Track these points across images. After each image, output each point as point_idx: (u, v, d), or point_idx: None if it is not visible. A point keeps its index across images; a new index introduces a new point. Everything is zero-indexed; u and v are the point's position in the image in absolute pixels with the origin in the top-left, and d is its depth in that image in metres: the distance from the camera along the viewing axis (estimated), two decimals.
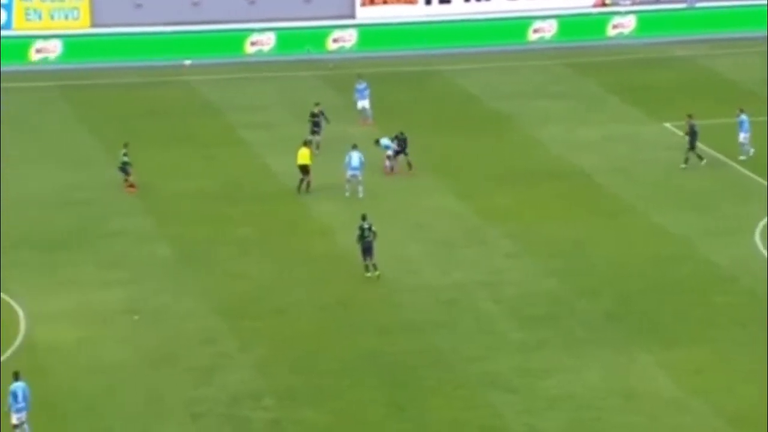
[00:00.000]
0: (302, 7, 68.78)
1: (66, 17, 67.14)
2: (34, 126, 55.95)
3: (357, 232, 41.37)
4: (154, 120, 57.21)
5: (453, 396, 34.66)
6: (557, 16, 70.63)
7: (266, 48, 67.57)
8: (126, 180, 48.63)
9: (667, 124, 56.52)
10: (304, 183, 47.91)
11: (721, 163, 51.78)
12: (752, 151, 51.76)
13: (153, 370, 35.84)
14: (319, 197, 47.89)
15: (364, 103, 56.39)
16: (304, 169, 47.87)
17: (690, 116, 51.56)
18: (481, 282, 41.40)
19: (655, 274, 41.63)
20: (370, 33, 68.65)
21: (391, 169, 50.10)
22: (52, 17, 66.97)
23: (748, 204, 47.29)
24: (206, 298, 40.22)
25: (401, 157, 50.45)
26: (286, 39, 67.69)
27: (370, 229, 41.27)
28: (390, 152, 50.17)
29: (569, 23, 70.65)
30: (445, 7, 70.81)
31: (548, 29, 70.49)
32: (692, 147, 51.06)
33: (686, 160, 51.05)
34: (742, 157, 51.70)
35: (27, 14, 66.65)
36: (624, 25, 71.20)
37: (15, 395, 31.85)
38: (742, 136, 51.69)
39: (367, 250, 41.16)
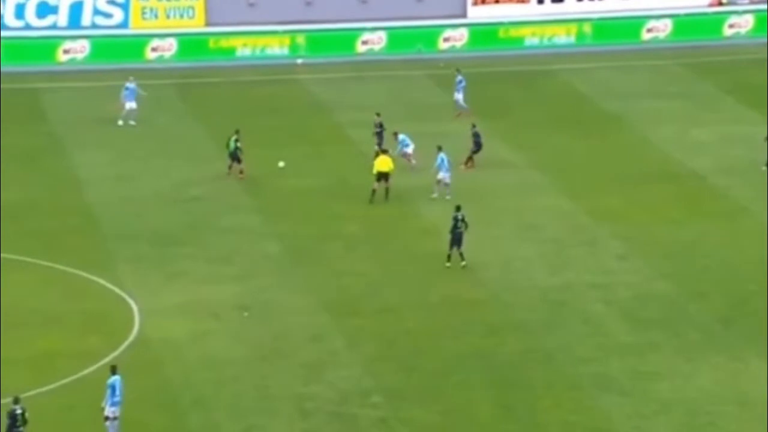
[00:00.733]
0: (414, 6, 68.81)
1: (181, 16, 68.00)
2: (150, 123, 56.79)
3: (451, 223, 41.46)
4: (266, 118, 57.69)
5: (562, 397, 34.39)
6: (672, 15, 69.72)
7: (377, 47, 67.73)
8: (231, 167, 49.09)
9: None
10: (379, 190, 47.40)
11: None
12: None
13: (262, 366, 36.13)
14: (424, 196, 47.85)
15: (458, 96, 56.53)
16: (385, 176, 47.58)
17: None
18: (591, 283, 41.02)
19: None
20: (481, 32, 68.44)
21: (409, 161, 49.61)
22: (167, 16, 67.90)
23: None
24: (314, 294, 40.44)
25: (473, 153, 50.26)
26: (397, 38, 67.78)
27: (462, 220, 41.57)
28: (408, 149, 49.79)
29: (684, 23, 69.69)
30: (557, 6, 70.31)
31: (663, 29, 69.62)
32: None
33: None
34: None
35: (143, 13, 67.66)
36: (741, 24, 70.00)
37: (113, 389, 32.29)
38: None
39: (456, 241, 41.37)
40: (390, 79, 64.07)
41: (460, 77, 57.25)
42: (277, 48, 66.88)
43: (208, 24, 67.96)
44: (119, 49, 65.68)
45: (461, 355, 36.64)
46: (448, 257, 41.81)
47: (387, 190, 47.71)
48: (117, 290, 40.51)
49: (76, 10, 66.74)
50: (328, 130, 56.12)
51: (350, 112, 58.33)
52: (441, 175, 47.30)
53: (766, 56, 64.56)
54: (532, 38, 68.76)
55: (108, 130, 55.96)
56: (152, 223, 46.14)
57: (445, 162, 47.42)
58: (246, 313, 39.19)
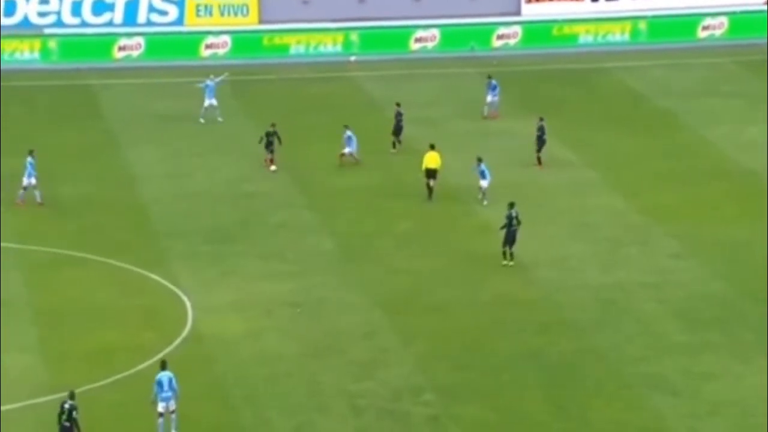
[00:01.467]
0: (467, 4, 68.71)
1: (235, 14, 68.34)
2: (204, 120, 57.08)
3: (504, 221, 41.28)
4: (319, 115, 57.84)
5: (614, 396, 34.23)
6: (728, 13, 69.16)
7: (431, 45, 67.70)
8: (267, 157, 49.46)
9: None
10: (429, 188, 47.38)
11: None
12: None
13: (314, 362, 36.23)
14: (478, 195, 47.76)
15: (493, 99, 56.10)
16: (433, 174, 47.43)
17: None
18: (644, 282, 40.80)
19: None
20: (535, 30, 68.22)
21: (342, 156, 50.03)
22: (222, 14, 68.25)
23: None
24: (367, 292, 40.49)
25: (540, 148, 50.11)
26: (450, 36, 67.72)
27: (516, 218, 41.26)
28: (347, 150, 50.25)
29: (740, 20, 69.10)
30: (611, 3, 69.95)
31: (718, 26, 69.08)
32: None
33: None
34: None
35: (198, 11, 68.04)
36: None
37: (161, 384, 32.48)
38: None
39: (510, 239, 41.16)
40: (443, 76, 64.02)
41: (494, 82, 56.61)
42: (330, 45, 67.03)
43: (261, 21, 68.23)
44: (174, 46, 66.11)
45: (513, 353, 36.56)
46: (504, 255, 41.67)
47: (431, 189, 47.35)
48: (171, 286, 40.78)
49: (131, 8, 67.24)
50: (380, 127, 56.16)
51: (404, 109, 58.35)
52: (481, 182, 46.86)
53: None
54: (586, 36, 68.45)
55: (162, 127, 56.35)
56: (205, 219, 46.39)
57: (486, 173, 46.78)
58: (298, 310, 39.32)
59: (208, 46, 66.47)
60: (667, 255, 42.86)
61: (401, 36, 67.72)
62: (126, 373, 35.37)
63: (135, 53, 65.73)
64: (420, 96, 60.56)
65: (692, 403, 33.78)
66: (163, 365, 32.92)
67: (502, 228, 41.64)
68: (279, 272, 41.92)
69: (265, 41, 66.99)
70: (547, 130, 50.81)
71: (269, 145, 50.56)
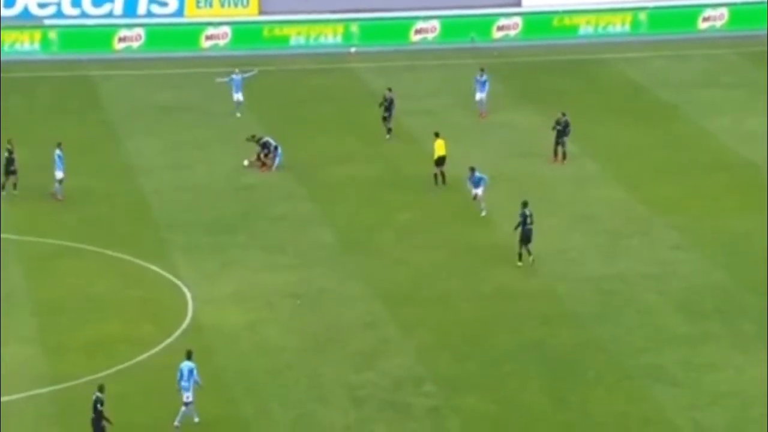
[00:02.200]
0: None
1: (236, 5, 68.22)
2: (204, 112, 57.03)
3: (518, 219, 41.13)
4: (319, 106, 57.78)
5: (615, 388, 34.24)
6: (728, 4, 69.04)
7: (431, 36, 67.59)
8: (259, 158, 49.06)
9: None
10: (441, 175, 47.38)
11: None
12: None
13: (315, 354, 36.22)
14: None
15: (481, 96, 55.59)
16: (441, 161, 47.42)
17: None
18: (645, 274, 40.78)
19: None
20: (535, 21, 68.11)
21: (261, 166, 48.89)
22: (222, 5, 68.15)
23: None
24: (368, 283, 40.47)
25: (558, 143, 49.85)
26: (451, 27, 67.60)
27: (531, 216, 41.02)
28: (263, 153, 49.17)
29: (741, 12, 68.96)
30: None
31: (719, 17, 68.97)
32: None
33: None
34: None
35: (198, 2, 67.91)
36: None
37: (182, 373, 32.52)
38: None
39: (526, 238, 40.94)
40: (443, 68, 63.93)
41: (485, 76, 55.94)
42: (330, 37, 66.93)
43: (262, 12, 68.12)
44: (174, 37, 66.00)
45: (514, 345, 36.55)
46: (520, 256, 41.22)
47: (444, 175, 47.45)
48: (171, 278, 40.76)
49: None
50: (380, 118, 56.05)
51: (404, 100, 58.16)
52: (474, 191, 45.81)
53: None
54: (586, 27, 68.33)
55: (163, 119, 56.29)
56: (206, 211, 46.35)
57: (482, 180, 45.68)
58: (299, 301, 39.31)
59: (208, 38, 66.35)
60: (667, 246, 42.84)
61: (401, 27, 67.61)
62: (126, 364, 35.37)
63: (135, 44, 65.63)
64: (420, 87, 60.47)
65: (693, 394, 33.79)
66: (189, 355, 32.92)
67: (517, 227, 41.25)
68: (279, 264, 41.89)
69: (266, 32, 66.87)
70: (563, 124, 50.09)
71: (267, 155, 49.65)
